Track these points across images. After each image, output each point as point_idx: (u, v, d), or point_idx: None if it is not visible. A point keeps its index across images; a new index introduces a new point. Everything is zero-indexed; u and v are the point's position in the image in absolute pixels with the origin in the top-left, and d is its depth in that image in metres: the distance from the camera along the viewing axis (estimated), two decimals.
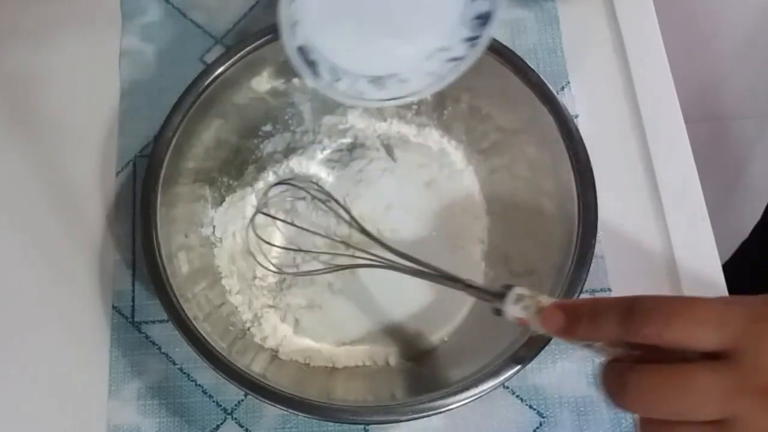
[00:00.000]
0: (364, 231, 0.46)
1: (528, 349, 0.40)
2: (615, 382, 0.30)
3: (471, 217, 0.50)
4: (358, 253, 0.45)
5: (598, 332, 0.32)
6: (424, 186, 0.51)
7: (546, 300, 0.36)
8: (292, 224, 0.48)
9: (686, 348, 0.29)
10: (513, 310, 0.36)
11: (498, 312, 0.37)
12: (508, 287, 0.37)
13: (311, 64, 0.42)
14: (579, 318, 0.33)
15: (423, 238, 0.49)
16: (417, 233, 0.49)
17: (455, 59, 0.42)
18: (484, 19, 0.41)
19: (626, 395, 0.30)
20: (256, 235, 0.48)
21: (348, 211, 0.48)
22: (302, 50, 0.42)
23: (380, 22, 0.43)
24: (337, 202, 0.48)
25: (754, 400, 0.28)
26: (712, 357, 0.29)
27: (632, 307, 0.31)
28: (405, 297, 0.47)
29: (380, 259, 0.44)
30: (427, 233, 0.49)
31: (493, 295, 0.38)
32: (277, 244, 0.48)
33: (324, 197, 0.48)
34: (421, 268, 0.42)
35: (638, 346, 0.31)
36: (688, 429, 0.29)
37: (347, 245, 0.47)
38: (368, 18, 0.43)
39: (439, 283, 0.41)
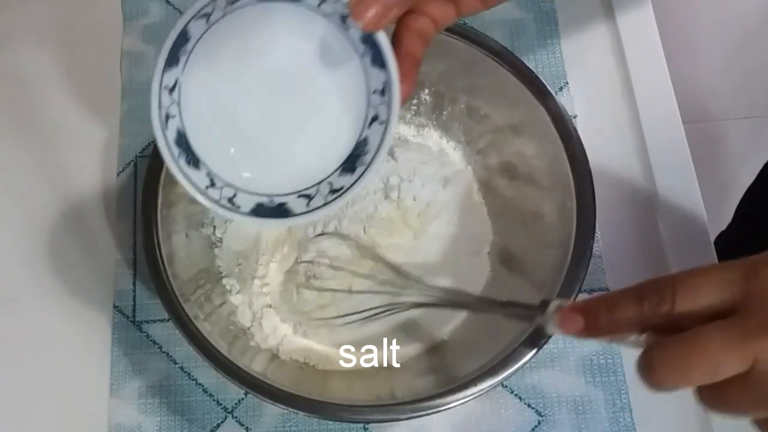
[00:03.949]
0: (403, 275, 0.45)
1: (526, 347, 0.40)
2: (645, 365, 0.31)
3: (469, 217, 0.50)
4: (397, 292, 0.45)
5: (618, 324, 0.33)
6: (422, 187, 0.51)
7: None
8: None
9: (698, 313, 0.31)
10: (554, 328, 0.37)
11: (541, 330, 0.38)
12: (546, 303, 0.37)
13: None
14: (597, 315, 0.33)
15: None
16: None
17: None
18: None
19: (656, 372, 0.30)
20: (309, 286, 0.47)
21: (387, 261, 0.46)
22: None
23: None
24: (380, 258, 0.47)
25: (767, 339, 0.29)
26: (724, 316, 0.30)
27: (642, 291, 0.32)
28: None
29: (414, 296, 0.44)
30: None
31: (532, 311, 0.38)
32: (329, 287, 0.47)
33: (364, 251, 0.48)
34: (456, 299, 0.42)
35: (659, 328, 0.32)
36: (731, 385, 0.30)
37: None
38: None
39: (473, 310, 0.41)
